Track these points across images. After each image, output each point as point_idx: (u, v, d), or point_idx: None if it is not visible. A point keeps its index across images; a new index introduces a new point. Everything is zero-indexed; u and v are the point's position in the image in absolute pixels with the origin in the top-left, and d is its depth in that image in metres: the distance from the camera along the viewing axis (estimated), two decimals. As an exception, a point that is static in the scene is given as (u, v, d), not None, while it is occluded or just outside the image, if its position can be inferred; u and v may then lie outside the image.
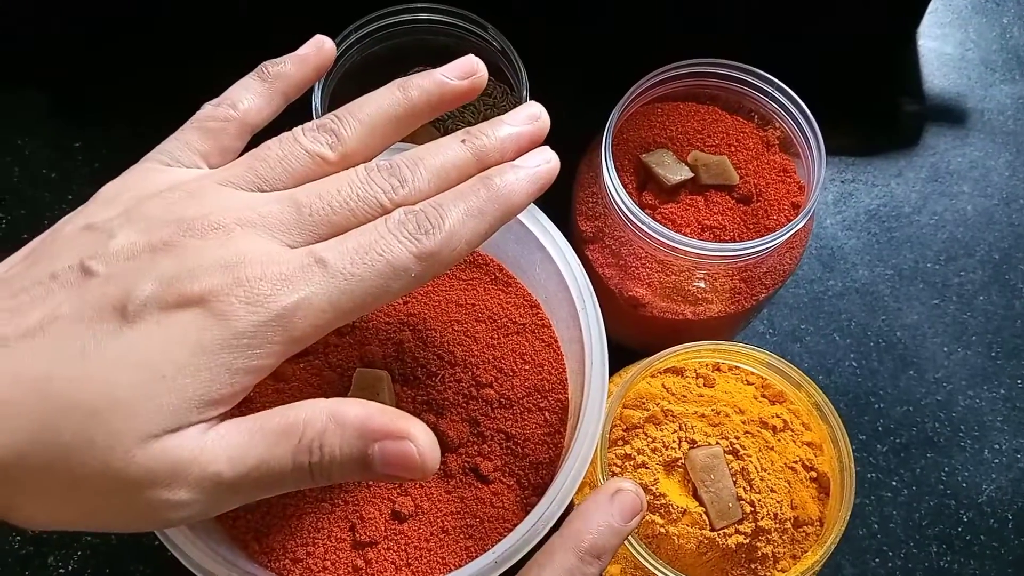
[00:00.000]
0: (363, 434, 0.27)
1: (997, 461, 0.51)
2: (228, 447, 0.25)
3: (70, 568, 0.48)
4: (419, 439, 0.27)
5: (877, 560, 0.49)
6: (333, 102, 0.48)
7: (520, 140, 0.32)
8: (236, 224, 0.27)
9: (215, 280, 0.26)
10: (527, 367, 0.41)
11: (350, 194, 0.29)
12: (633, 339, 0.48)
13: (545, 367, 0.41)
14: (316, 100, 0.45)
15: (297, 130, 0.30)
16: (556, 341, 0.42)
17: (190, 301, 0.25)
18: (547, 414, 0.40)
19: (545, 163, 0.32)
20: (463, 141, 0.31)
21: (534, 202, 0.38)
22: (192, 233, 0.27)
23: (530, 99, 0.45)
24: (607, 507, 0.32)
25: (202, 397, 0.25)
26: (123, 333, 0.25)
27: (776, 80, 0.44)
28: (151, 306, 0.25)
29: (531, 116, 0.33)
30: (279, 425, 0.27)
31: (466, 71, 0.34)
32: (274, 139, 0.30)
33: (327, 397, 0.39)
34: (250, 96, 0.33)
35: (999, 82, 0.62)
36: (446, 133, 0.50)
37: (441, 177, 0.30)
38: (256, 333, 0.25)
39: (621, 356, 0.42)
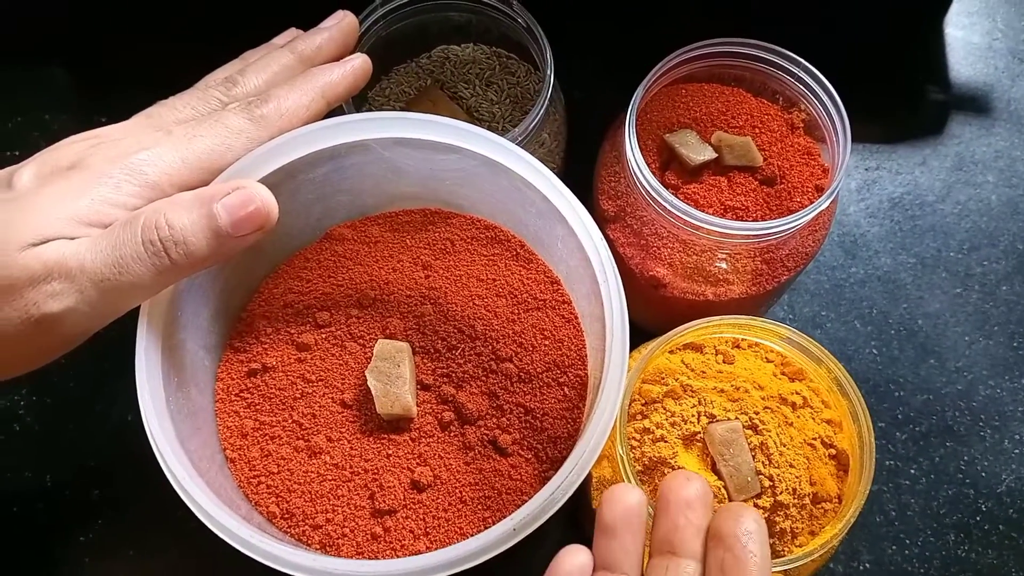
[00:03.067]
0: (202, 200, 0.33)
1: (1017, 451, 0.51)
2: (90, 244, 0.31)
3: (91, 536, 0.48)
4: (251, 185, 0.34)
5: (894, 547, 0.49)
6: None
7: (332, 36, 0.41)
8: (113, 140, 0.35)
9: (86, 153, 0.34)
10: (547, 342, 0.41)
11: (193, 103, 0.37)
12: (653, 320, 0.48)
13: (565, 343, 0.41)
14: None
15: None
16: (576, 317, 0.42)
17: (69, 167, 0.33)
18: (566, 389, 0.40)
19: (355, 60, 0.40)
20: (283, 47, 0.41)
21: (558, 176, 0.38)
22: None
23: (553, 78, 0.45)
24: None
25: (70, 216, 0.31)
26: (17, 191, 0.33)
27: (803, 61, 0.44)
28: (36, 178, 0.33)
29: (338, 17, 0.42)
30: (129, 216, 0.32)
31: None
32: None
33: (348, 367, 0.40)
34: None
35: (1026, 72, 0.62)
36: (468, 112, 0.50)
37: (268, 76, 0.39)
38: (113, 176, 0.33)
39: (640, 338, 0.42)
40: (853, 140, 0.43)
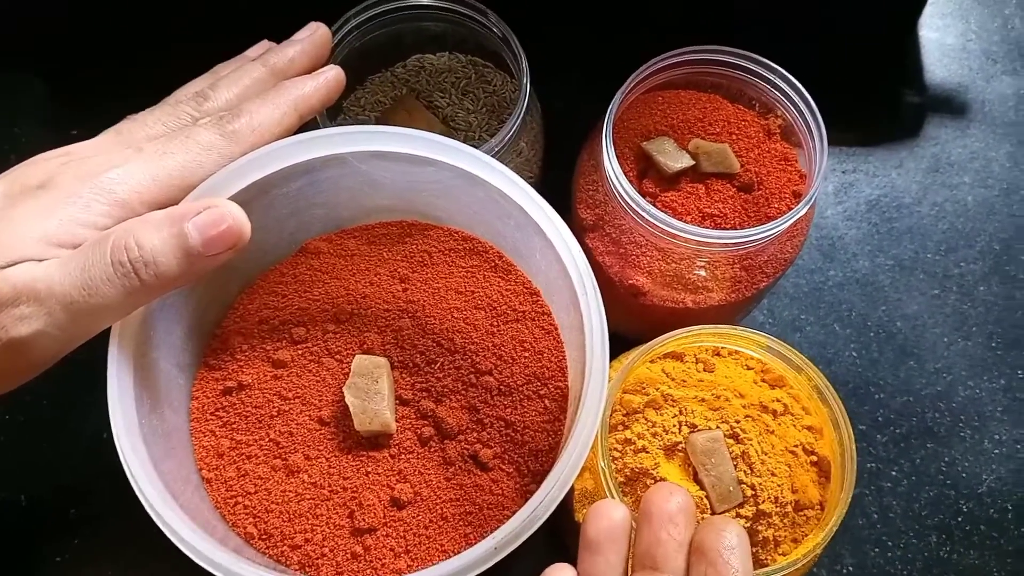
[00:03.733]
0: (172, 219, 0.32)
1: (997, 451, 0.51)
2: (59, 265, 0.31)
3: (67, 556, 0.48)
4: (223, 203, 0.33)
5: (877, 550, 0.49)
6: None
7: (304, 48, 0.41)
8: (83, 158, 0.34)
9: (56, 171, 0.33)
10: (527, 354, 0.41)
11: (164, 119, 0.37)
12: (633, 328, 0.48)
13: (545, 354, 0.41)
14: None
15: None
16: (556, 328, 0.42)
17: (38, 186, 0.33)
18: (547, 401, 0.39)
19: (328, 72, 0.40)
20: (255, 60, 0.40)
21: (535, 188, 0.38)
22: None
23: (530, 87, 0.45)
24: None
25: (39, 237, 0.31)
26: None
27: (778, 68, 0.44)
28: (5, 197, 0.33)
29: (311, 29, 0.42)
30: (99, 236, 0.32)
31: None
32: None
33: (325, 383, 0.40)
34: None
35: (1000, 73, 0.62)
36: (444, 121, 0.49)
37: (240, 90, 0.38)
38: (82, 195, 0.32)
39: (620, 346, 0.42)
40: (830, 144, 0.43)
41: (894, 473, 0.51)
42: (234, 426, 0.38)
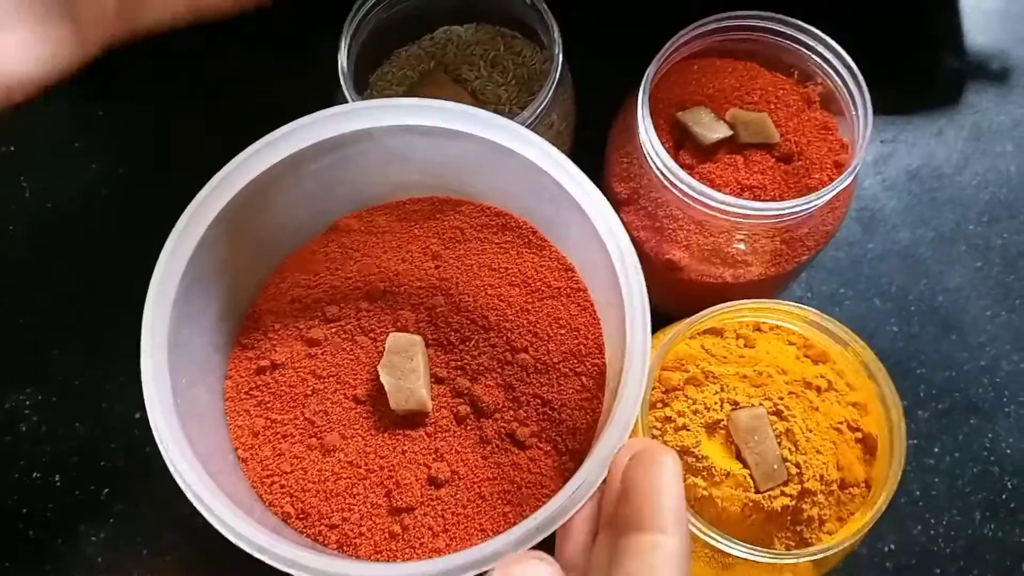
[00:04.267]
0: None
1: (1043, 426, 0.50)
2: None
3: (102, 536, 0.48)
4: None
5: (919, 528, 0.48)
6: (360, 62, 0.46)
7: None
8: None
9: None
10: (563, 331, 0.40)
11: None
12: (669, 303, 0.47)
13: (581, 331, 0.40)
14: (342, 60, 0.44)
15: None
16: (592, 305, 0.41)
17: None
18: (584, 379, 0.39)
19: None
20: None
21: (569, 158, 0.37)
22: None
23: (562, 58, 0.44)
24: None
25: None
26: None
27: (818, 32, 0.43)
28: None
29: None
30: None
31: None
32: None
33: (359, 361, 0.39)
34: None
35: (1043, 37, 0.60)
36: (473, 95, 0.49)
37: None
38: None
39: (657, 320, 0.41)
40: (869, 112, 0.41)
41: (936, 450, 0.49)
42: (269, 405, 0.38)
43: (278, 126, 0.37)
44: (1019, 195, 0.56)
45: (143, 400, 0.33)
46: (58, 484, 0.49)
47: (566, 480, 0.32)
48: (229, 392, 0.38)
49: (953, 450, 0.50)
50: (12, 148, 0.56)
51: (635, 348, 0.34)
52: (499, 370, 0.39)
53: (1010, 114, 0.58)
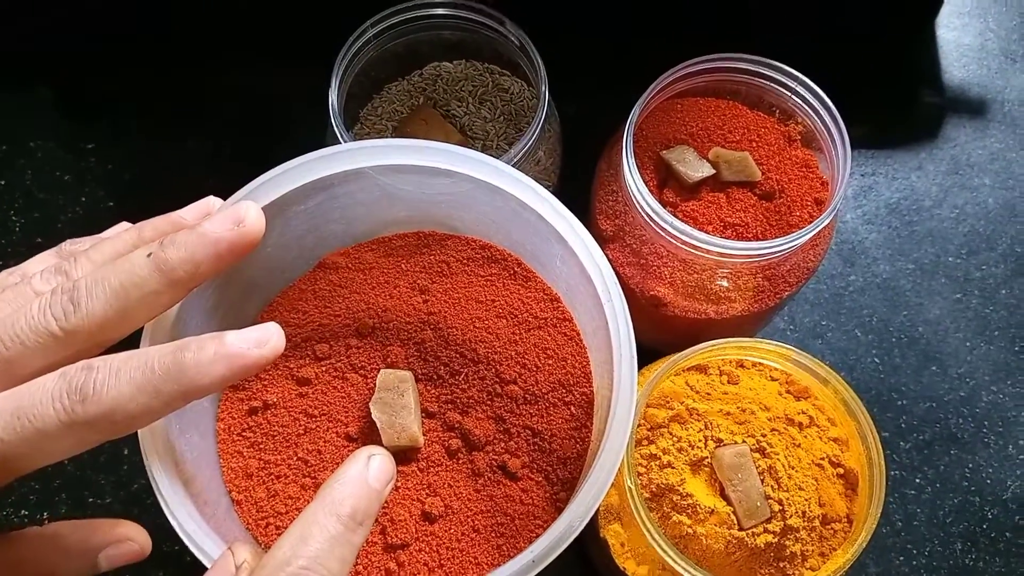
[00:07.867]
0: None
1: (1022, 457, 0.51)
2: None
3: None
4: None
5: (901, 558, 0.49)
6: (350, 100, 0.47)
7: (218, 248, 0.29)
8: None
9: None
10: (551, 361, 0.40)
11: (20, 325, 0.27)
12: (654, 339, 0.47)
13: (569, 361, 0.40)
14: (332, 98, 0.45)
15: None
16: (579, 334, 0.41)
17: None
18: (573, 408, 0.39)
19: (256, 344, 0.28)
20: (149, 255, 0.29)
21: (553, 194, 0.38)
22: None
23: (548, 95, 0.44)
24: (364, 473, 0.30)
25: None
26: None
27: (798, 74, 0.44)
28: None
29: (235, 219, 0.30)
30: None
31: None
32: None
33: (351, 399, 0.39)
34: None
35: (1019, 72, 0.61)
36: (462, 130, 0.49)
37: (120, 298, 0.28)
38: None
39: (642, 356, 0.41)
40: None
41: (918, 480, 0.50)
42: (261, 446, 0.38)
43: (270, 157, 0.37)
44: (997, 228, 0.57)
45: (133, 436, 0.33)
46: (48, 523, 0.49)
47: (558, 510, 0.33)
48: (221, 434, 0.39)
49: (935, 480, 0.50)
50: (3, 182, 0.56)
51: (623, 381, 0.34)
52: (489, 402, 0.39)
53: (988, 148, 0.59)
